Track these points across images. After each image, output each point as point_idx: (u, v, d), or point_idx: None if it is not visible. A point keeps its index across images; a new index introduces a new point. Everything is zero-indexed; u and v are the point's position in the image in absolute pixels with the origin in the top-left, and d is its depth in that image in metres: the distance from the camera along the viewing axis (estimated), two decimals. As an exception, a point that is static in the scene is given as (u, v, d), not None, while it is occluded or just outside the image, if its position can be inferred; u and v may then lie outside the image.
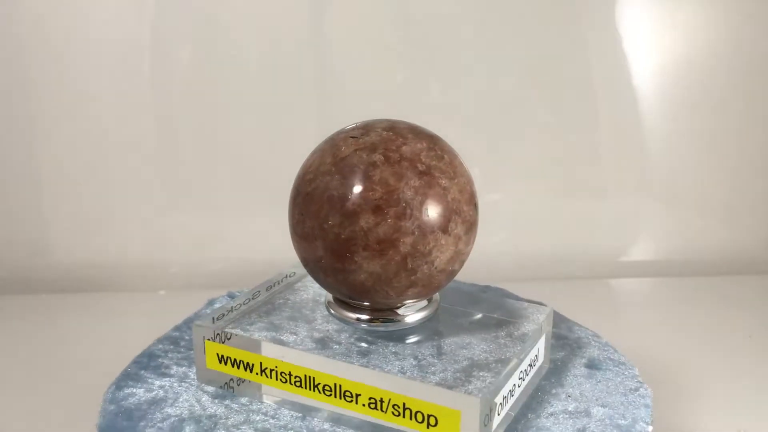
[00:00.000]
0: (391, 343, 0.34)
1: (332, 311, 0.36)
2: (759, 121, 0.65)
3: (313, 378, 0.33)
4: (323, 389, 0.33)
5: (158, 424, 0.33)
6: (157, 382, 0.37)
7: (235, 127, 0.63)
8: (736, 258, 0.66)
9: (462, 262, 0.34)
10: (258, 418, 0.34)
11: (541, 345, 0.36)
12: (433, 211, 0.32)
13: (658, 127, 0.65)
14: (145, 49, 0.60)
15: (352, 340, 0.34)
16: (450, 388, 0.30)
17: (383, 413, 0.31)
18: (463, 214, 0.33)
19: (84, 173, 0.62)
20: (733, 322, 0.55)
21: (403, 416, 0.31)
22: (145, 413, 0.34)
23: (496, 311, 0.37)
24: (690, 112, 0.65)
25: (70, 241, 0.63)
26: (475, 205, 0.34)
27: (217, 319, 0.36)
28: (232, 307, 0.38)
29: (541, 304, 0.39)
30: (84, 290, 0.62)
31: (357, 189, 0.32)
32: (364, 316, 0.35)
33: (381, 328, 0.35)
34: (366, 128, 0.34)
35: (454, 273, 0.34)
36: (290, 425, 0.33)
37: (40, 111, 0.61)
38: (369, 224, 0.31)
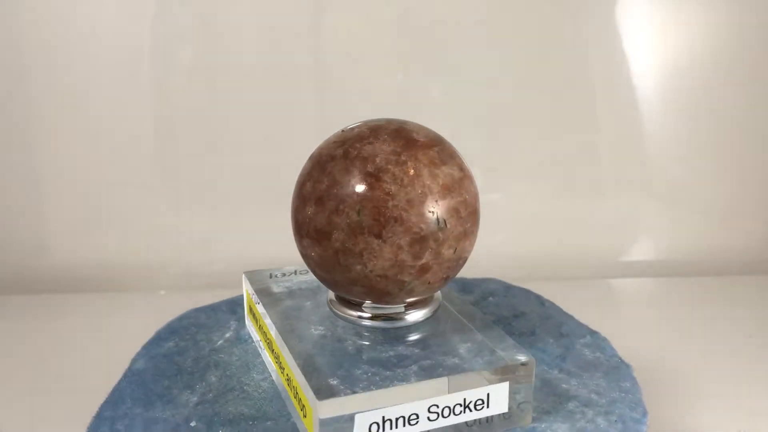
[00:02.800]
0: (373, 339, 0.34)
1: (332, 307, 0.36)
2: (759, 121, 0.65)
3: (270, 343, 0.36)
4: (275, 356, 0.35)
5: (179, 342, 0.39)
6: (222, 316, 0.42)
7: (235, 127, 0.63)
8: (736, 258, 0.66)
9: (418, 277, 0.32)
10: (237, 364, 0.37)
11: (497, 392, 0.31)
12: (365, 213, 0.31)
13: (658, 127, 0.65)
14: (145, 49, 0.60)
15: (348, 330, 0.35)
16: (315, 385, 0.30)
17: (292, 391, 0.32)
18: (407, 224, 0.31)
19: (84, 173, 0.62)
20: (733, 322, 0.55)
21: (297, 400, 0.32)
22: (183, 333, 0.40)
23: (492, 338, 0.35)
24: (690, 112, 0.65)
25: (70, 241, 0.63)
26: (441, 221, 0.32)
27: (273, 276, 0.40)
28: (296, 271, 0.41)
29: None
30: (84, 290, 0.62)
31: (312, 178, 0.33)
32: (366, 314, 0.35)
33: (380, 324, 0.35)
34: (360, 124, 0.34)
35: (405, 285, 0.32)
36: (249, 384, 0.36)
37: (40, 111, 0.61)
38: (311, 213, 0.33)
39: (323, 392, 0.29)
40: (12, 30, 0.59)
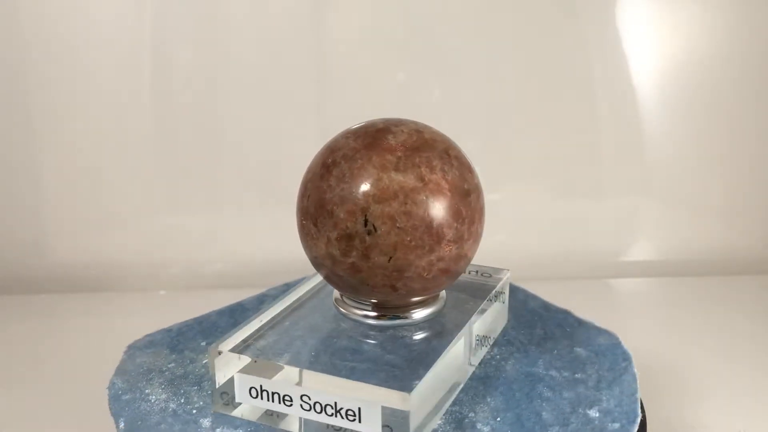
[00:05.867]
0: (362, 333, 0.35)
1: (338, 306, 0.37)
2: (758, 121, 0.65)
3: None
4: None
5: (271, 296, 0.45)
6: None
7: (235, 126, 0.63)
8: (736, 258, 0.66)
9: (352, 275, 0.33)
10: None
11: (369, 411, 0.30)
12: (311, 201, 0.33)
13: (657, 128, 0.65)
14: (145, 49, 0.60)
15: (356, 324, 0.36)
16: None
17: None
18: (337, 219, 0.32)
19: (84, 173, 0.62)
20: (733, 322, 0.55)
21: None
22: (286, 290, 0.42)
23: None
24: (689, 112, 0.65)
25: (70, 241, 0.63)
26: (368, 224, 0.31)
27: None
28: None
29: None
30: (84, 290, 0.62)
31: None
32: (372, 313, 0.35)
33: (385, 322, 0.35)
34: (364, 121, 0.35)
35: (340, 277, 0.33)
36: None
37: (40, 111, 0.61)
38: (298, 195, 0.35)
39: (232, 345, 0.33)
40: (12, 30, 0.59)
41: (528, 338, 0.41)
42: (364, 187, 0.32)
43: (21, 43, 0.59)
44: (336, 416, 0.30)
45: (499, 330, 0.41)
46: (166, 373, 0.37)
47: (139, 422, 0.33)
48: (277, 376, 0.31)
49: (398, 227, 0.31)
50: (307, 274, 0.46)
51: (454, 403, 0.34)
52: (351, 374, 0.31)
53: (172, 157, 0.63)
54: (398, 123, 0.34)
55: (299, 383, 0.31)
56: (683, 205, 0.67)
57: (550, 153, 0.65)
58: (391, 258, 0.32)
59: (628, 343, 0.41)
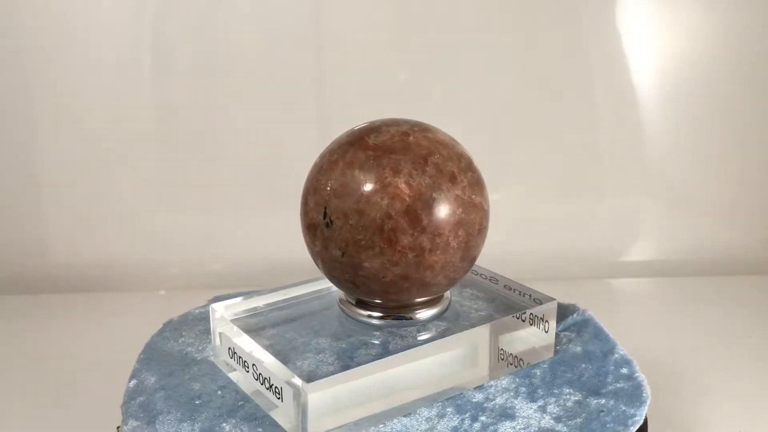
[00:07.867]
0: (370, 335, 0.35)
1: (343, 308, 0.37)
2: (759, 120, 0.65)
3: None
4: None
5: None
6: None
7: (235, 127, 0.63)
8: (736, 258, 0.66)
9: (319, 258, 0.34)
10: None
11: (288, 395, 0.31)
12: (303, 190, 0.35)
13: (658, 128, 0.65)
14: (145, 49, 0.60)
15: (359, 321, 0.36)
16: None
17: None
18: (306, 207, 0.34)
19: (84, 173, 0.62)
20: (733, 322, 0.55)
21: None
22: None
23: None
24: (690, 112, 0.65)
25: (70, 241, 0.63)
26: (326, 216, 0.32)
27: None
28: None
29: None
30: (84, 290, 0.62)
31: None
32: (376, 313, 0.35)
33: (378, 321, 0.35)
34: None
35: (318, 265, 0.35)
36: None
37: (40, 111, 0.61)
38: None
39: (236, 309, 0.37)
40: (12, 30, 0.59)
41: (553, 377, 0.36)
42: (330, 181, 0.33)
43: (21, 43, 0.59)
44: (270, 391, 0.32)
45: (533, 359, 0.38)
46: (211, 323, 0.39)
47: (156, 355, 0.37)
48: (249, 345, 0.34)
49: (350, 224, 0.32)
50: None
51: (409, 415, 0.33)
52: (309, 358, 0.33)
53: (172, 157, 0.63)
54: (393, 123, 0.34)
55: (255, 355, 0.33)
56: (683, 205, 0.67)
57: (550, 153, 0.65)
58: (344, 253, 0.32)
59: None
